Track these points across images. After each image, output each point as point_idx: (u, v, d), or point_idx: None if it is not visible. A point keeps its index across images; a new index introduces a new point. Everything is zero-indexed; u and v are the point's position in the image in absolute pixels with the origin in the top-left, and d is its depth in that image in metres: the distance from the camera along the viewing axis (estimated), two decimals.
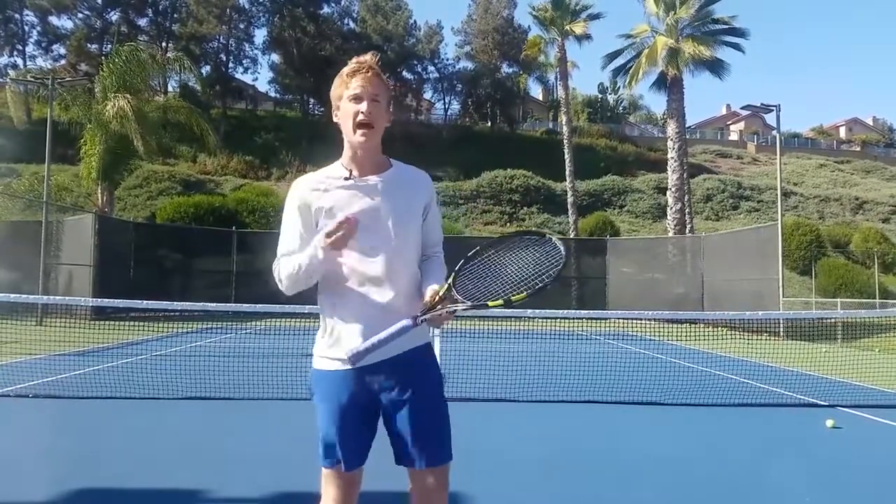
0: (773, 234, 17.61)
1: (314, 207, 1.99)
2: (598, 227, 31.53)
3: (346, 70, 2.01)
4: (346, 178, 2.01)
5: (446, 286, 1.93)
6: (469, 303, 1.91)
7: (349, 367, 1.91)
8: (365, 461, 2.05)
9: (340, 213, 1.91)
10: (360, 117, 1.95)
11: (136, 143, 19.57)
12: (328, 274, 1.98)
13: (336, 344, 1.99)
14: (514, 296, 1.92)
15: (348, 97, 1.98)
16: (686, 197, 26.14)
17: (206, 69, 46.85)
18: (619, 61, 28.18)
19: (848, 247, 34.65)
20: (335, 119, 2.05)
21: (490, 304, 1.92)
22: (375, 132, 1.99)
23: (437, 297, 1.90)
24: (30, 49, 48.46)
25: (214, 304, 7.74)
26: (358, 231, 1.87)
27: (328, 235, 1.83)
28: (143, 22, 50.67)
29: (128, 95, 19.94)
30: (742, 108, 24.38)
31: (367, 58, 2.03)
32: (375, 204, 1.98)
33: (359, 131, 1.97)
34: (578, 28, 29.56)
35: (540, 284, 1.94)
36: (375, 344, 1.85)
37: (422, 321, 1.88)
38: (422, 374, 2.04)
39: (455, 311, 1.91)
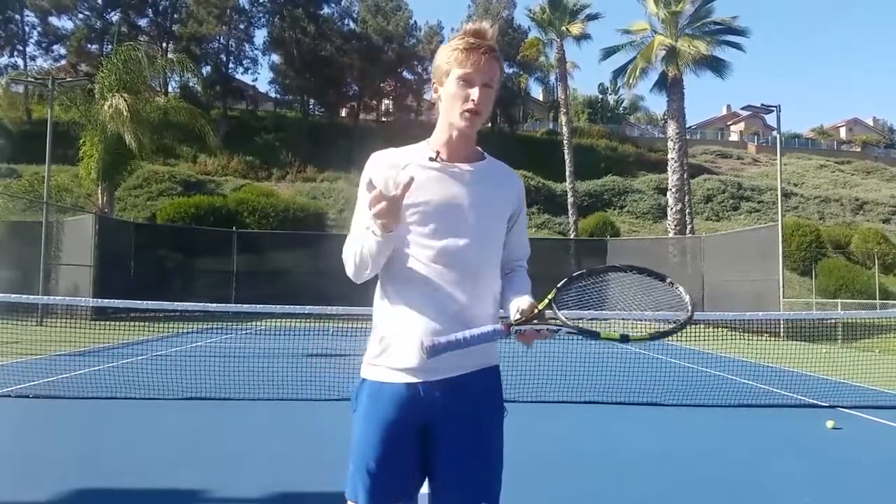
0: (773, 235, 17.61)
1: (389, 186, 1.69)
2: (598, 227, 31.54)
3: (459, 43, 1.72)
4: (432, 159, 1.74)
5: (547, 301, 1.72)
6: (578, 326, 1.68)
7: (405, 379, 1.67)
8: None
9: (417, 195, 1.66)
10: (470, 105, 1.69)
11: (130, 143, 19.57)
12: (392, 266, 1.72)
13: (387, 350, 1.72)
14: (632, 333, 1.69)
15: (459, 77, 1.70)
16: (686, 197, 26.14)
17: (206, 69, 46.86)
18: (619, 61, 28.22)
19: (848, 247, 34.64)
20: (434, 94, 1.80)
21: (602, 334, 1.68)
22: (481, 119, 1.74)
23: (535, 310, 1.67)
24: (30, 49, 48.55)
25: (215, 305, 7.74)
26: (433, 221, 1.68)
27: (372, 205, 1.57)
28: (143, 22, 50.72)
29: (125, 95, 19.95)
30: (742, 108, 24.37)
31: (487, 31, 1.74)
32: (460, 193, 1.73)
33: (465, 117, 1.71)
34: (576, 29, 29.55)
35: (667, 328, 1.70)
36: (461, 341, 1.60)
37: (516, 331, 1.65)
38: (487, 402, 1.77)
39: (559, 330, 1.67)
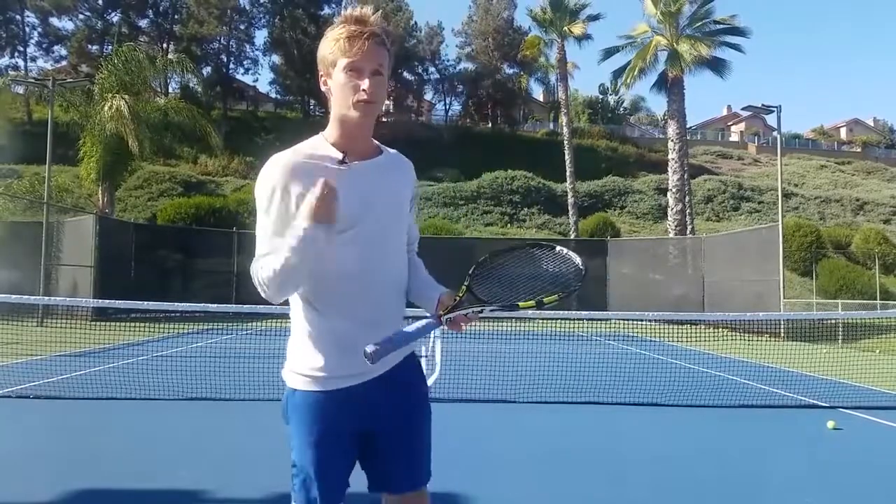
0: (773, 235, 17.60)
1: (295, 194, 1.62)
2: (598, 228, 31.54)
3: (341, 32, 1.64)
4: (341, 163, 1.68)
5: (464, 287, 1.77)
6: (497, 304, 1.75)
7: (334, 387, 1.68)
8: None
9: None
10: (362, 95, 1.64)
11: (130, 143, 19.58)
12: (315, 274, 1.66)
13: (319, 357, 1.69)
14: (545, 297, 1.75)
15: (345, 67, 1.64)
16: (687, 198, 26.13)
17: (206, 70, 46.99)
18: (619, 61, 28.26)
19: (849, 248, 34.63)
20: (323, 88, 1.72)
21: (521, 304, 1.75)
22: (376, 108, 1.69)
23: (456, 299, 1.73)
24: (31, 50, 48.64)
25: (215, 305, 7.76)
26: (351, 225, 1.65)
27: (328, 199, 1.55)
28: (143, 23, 50.83)
29: (126, 96, 19.97)
30: (743, 108, 24.36)
31: (369, 17, 1.66)
32: (370, 193, 1.70)
33: (359, 107, 1.65)
34: (577, 29, 29.56)
35: (573, 287, 1.80)
36: (401, 339, 1.64)
37: (446, 320, 1.72)
38: (416, 389, 1.85)
39: (482, 310, 1.74)
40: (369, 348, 1.57)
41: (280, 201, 1.63)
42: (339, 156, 1.69)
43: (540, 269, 1.88)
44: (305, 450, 1.70)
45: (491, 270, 1.86)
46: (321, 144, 1.72)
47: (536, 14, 31.00)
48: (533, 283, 1.82)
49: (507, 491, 4.01)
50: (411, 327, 1.68)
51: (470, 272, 1.83)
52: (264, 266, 1.62)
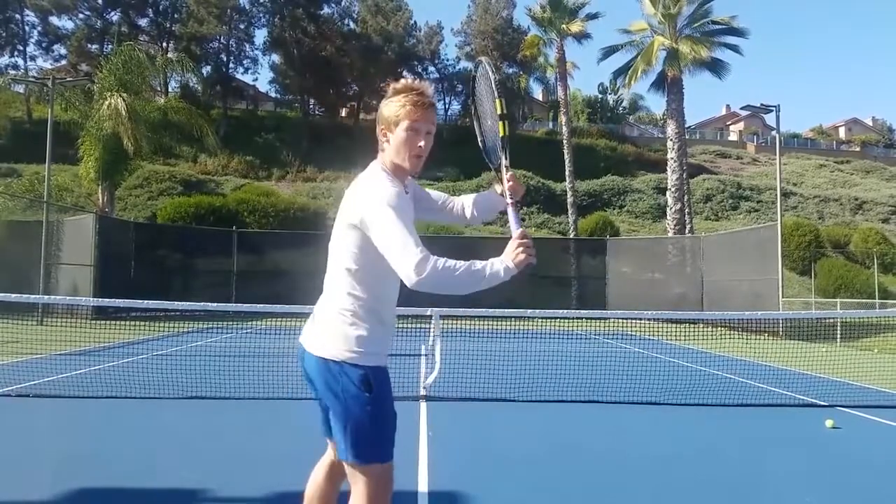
0: (772, 235, 17.62)
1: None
2: (597, 227, 31.54)
3: (410, 98, 2.09)
4: (406, 193, 2.16)
5: (496, 175, 2.35)
6: (503, 156, 2.34)
7: (386, 362, 2.16)
8: None
9: None
10: (419, 151, 2.12)
11: (125, 142, 19.58)
12: (379, 275, 2.08)
13: (384, 340, 2.15)
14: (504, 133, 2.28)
15: (408, 127, 2.09)
16: (686, 197, 26.13)
17: (206, 69, 46.89)
18: (619, 61, 28.29)
19: (847, 247, 34.65)
20: (382, 136, 2.14)
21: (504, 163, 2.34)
22: (424, 160, 2.18)
23: (499, 184, 2.33)
24: (30, 49, 48.56)
25: (215, 304, 7.75)
26: None
27: (524, 251, 1.99)
28: (143, 22, 50.77)
29: (124, 95, 19.96)
30: (742, 108, 24.38)
31: (428, 89, 2.15)
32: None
33: (414, 161, 2.13)
34: (576, 27, 29.54)
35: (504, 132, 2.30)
36: (517, 225, 2.15)
37: (505, 194, 2.30)
38: None
39: (500, 165, 2.34)
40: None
41: (408, 207, 2.09)
42: (405, 190, 2.17)
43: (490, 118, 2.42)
44: (391, 403, 2.15)
45: (486, 142, 2.44)
46: (391, 178, 2.16)
47: (535, 13, 30.99)
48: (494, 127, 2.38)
49: (506, 489, 4.02)
50: (512, 219, 2.15)
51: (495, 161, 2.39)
52: (460, 266, 1.96)
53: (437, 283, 1.92)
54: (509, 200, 2.20)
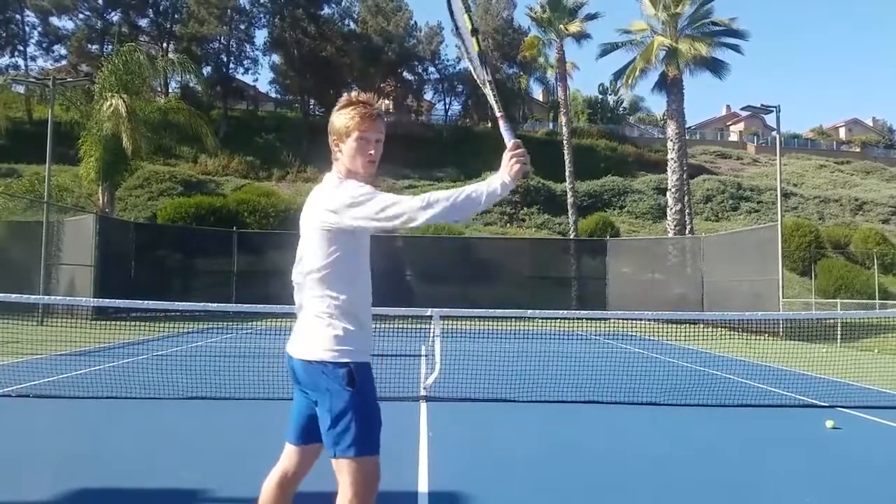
0: (772, 235, 17.62)
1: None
2: (598, 227, 31.54)
3: (357, 111, 2.24)
4: None
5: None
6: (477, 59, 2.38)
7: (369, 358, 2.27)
8: None
9: None
10: (371, 158, 2.27)
11: (124, 143, 19.58)
12: (354, 273, 2.26)
13: (363, 339, 2.25)
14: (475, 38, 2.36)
15: (358, 137, 2.24)
16: (686, 198, 26.14)
17: (207, 70, 46.87)
18: (619, 61, 28.33)
19: (847, 247, 34.65)
20: (335, 146, 2.28)
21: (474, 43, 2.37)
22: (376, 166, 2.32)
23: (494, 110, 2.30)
24: (31, 50, 48.57)
25: (215, 305, 7.76)
26: (366, 241, 2.32)
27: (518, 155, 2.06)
28: (143, 22, 50.76)
29: (124, 95, 19.96)
30: (742, 108, 24.41)
31: (375, 102, 2.32)
32: None
33: (370, 168, 2.28)
34: (574, 27, 29.55)
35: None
36: (510, 135, 2.21)
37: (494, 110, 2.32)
38: None
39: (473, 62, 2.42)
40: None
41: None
42: None
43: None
44: (374, 398, 2.25)
45: (472, 59, 2.44)
46: None
47: (535, 13, 31.01)
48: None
49: (506, 490, 4.02)
50: (504, 131, 2.19)
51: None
52: (438, 193, 2.08)
53: (439, 213, 2.04)
54: (499, 114, 2.24)
